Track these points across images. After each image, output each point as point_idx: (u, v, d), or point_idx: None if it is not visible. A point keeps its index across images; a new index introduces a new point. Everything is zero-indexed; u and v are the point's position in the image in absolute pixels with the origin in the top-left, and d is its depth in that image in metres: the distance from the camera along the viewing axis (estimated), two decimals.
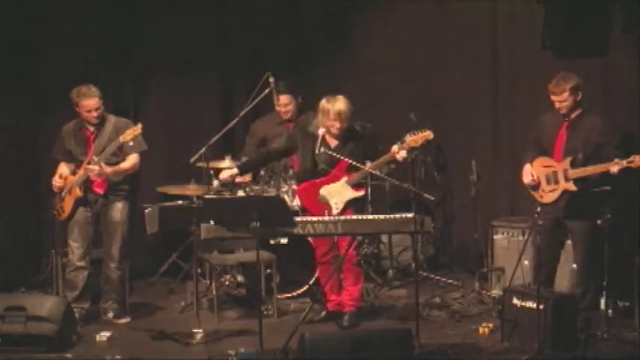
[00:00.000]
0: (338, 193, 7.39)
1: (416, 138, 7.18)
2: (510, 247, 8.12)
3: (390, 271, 8.93)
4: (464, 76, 9.24)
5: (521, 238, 8.00)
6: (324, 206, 7.35)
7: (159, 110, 9.54)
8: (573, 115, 7.27)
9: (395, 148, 7.15)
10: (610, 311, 7.23)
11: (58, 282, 8.09)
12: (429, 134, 7.18)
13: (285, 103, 8.43)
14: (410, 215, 6.83)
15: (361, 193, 7.40)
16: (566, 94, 7.19)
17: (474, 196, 8.56)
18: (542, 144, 7.44)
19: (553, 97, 7.26)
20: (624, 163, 6.95)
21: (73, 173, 7.66)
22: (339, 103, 7.23)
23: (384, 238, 8.98)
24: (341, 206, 7.33)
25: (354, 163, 7.14)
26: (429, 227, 6.99)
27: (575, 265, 7.44)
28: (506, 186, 8.88)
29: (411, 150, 7.14)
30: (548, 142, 7.39)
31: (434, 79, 9.39)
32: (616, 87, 8.19)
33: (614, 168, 6.97)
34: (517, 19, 8.84)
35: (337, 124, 7.25)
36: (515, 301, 6.90)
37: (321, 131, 7.24)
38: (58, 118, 7.95)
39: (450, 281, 8.75)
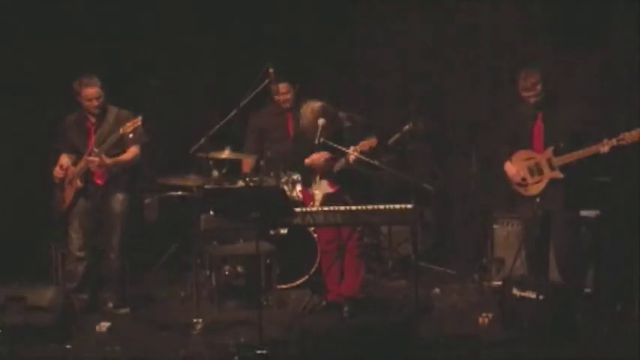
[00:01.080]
0: (318, 185, 7.51)
1: (364, 144, 7.27)
2: (510, 237, 8.13)
3: (390, 262, 8.94)
4: (464, 67, 9.24)
5: (520, 228, 8.00)
6: (309, 196, 7.54)
7: (159, 102, 9.55)
8: (547, 105, 7.21)
9: (351, 149, 7.25)
10: (609, 302, 7.26)
11: (57, 273, 8.11)
12: (373, 141, 7.26)
13: (284, 91, 8.45)
14: (409, 206, 6.84)
15: (333, 190, 7.48)
16: (539, 87, 7.15)
17: (474, 187, 8.56)
18: (518, 137, 7.37)
19: (526, 93, 7.19)
20: (614, 141, 6.87)
21: (74, 164, 7.67)
22: (305, 114, 7.37)
23: (384, 228, 8.99)
24: (319, 198, 7.45)
25: (359, 155, 7.20)
26: (428, 218, 7.03)
27: (570, 256, 7.44)
28: (505, 177, 8.87)
29: (361, 153, 7.24)
30: (525, 135, 7.32)
31: (435, 69, 9.39)
32: (615, 79, 8.21)
33: (605, 147, 6.89)
34: (517, 12, 8.84)
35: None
36: (515, 291, 6.91)
37: (320, 122, 7.25)
38: (60, 114, 7.96)
39: (450, 272, 8.76)
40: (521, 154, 7.31)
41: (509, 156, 7.37)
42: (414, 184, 6.96)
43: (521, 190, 7.33)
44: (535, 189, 7.25)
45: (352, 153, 7.23)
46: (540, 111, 7.21)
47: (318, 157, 7.44)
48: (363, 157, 7.19)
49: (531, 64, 7.27)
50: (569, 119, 7.14)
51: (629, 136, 6.83)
